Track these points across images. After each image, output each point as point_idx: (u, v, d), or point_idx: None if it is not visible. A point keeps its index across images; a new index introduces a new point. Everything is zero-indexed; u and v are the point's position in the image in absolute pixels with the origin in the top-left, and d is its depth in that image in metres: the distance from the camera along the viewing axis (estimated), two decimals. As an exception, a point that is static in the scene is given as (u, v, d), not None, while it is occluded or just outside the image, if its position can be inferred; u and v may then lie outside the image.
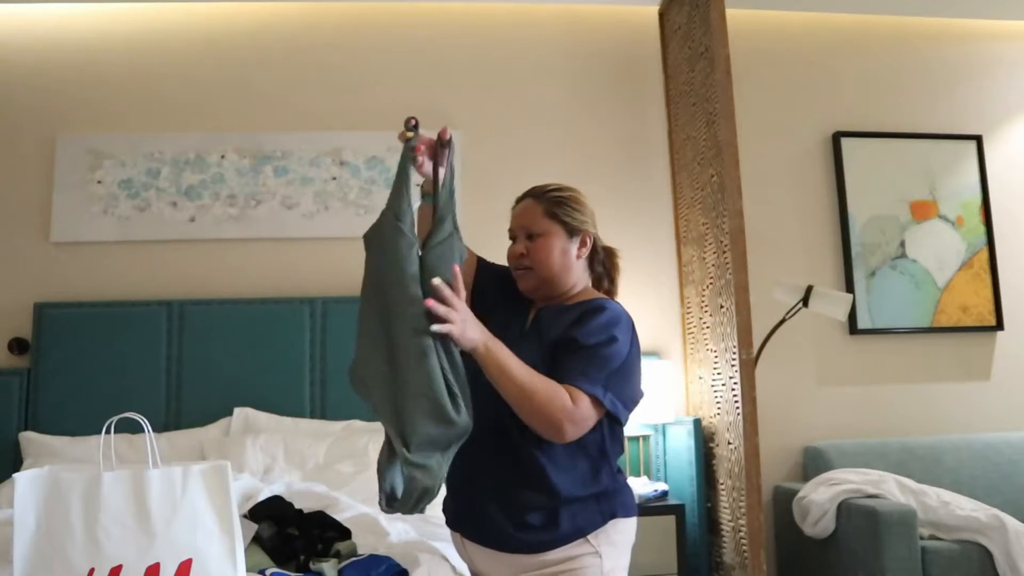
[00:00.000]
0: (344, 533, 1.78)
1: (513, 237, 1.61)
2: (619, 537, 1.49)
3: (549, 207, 1.58)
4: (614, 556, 1.47)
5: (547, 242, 1.56)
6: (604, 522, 1.47)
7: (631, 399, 1.49)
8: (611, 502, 1.49)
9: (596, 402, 1.41)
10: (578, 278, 1.60)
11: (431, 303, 1.29)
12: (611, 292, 1.69)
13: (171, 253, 3.11)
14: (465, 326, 1.33)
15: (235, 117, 3.21)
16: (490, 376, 1.37)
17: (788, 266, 3.31)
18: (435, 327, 1.29)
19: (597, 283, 1.67)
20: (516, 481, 1.46)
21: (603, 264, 1.67)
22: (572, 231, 1.58)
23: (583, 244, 1.59)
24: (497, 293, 1.65)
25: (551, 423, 1.37)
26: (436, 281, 1.31)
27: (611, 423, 1.49)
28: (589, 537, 1.45)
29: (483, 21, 3.38)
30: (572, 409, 1.39)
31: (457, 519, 1.56)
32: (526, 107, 3.33)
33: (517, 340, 1.48)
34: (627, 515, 1.52)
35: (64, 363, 2.88)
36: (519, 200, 1.64)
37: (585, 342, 1.45)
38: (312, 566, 1.61)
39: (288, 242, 3.15)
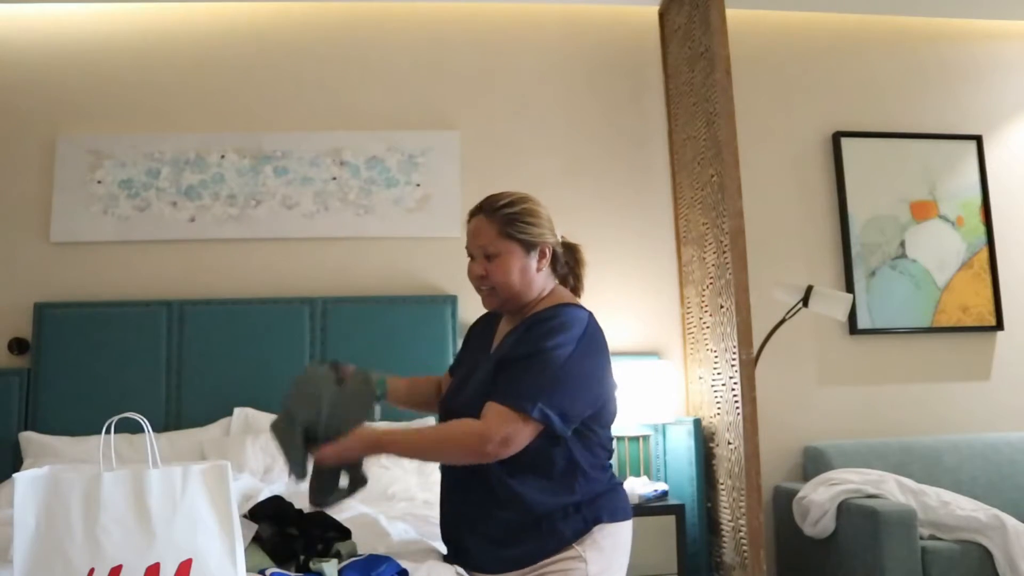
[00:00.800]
0: (344, 533, 1.78)
1: (471, 255, 1.59)
2: (607, 542, 1.49)
3: (502, 226, 1.54)
4: (600, 560, 1.47)
5: (505, 262, 1.54)
6: (588, 528, 1.47)
7: (571, 406, 1.44)
8: (593, 508, 1.49)
9: (518, 415, 1.40)
10: (542, 285, 1.60)
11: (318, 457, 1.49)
12: (576, 289, 1.67)
13: (171, 253, 3.11)
14: (341, 452, 1.47)
15: (235, 117, 3.21)
16: (405, 457, 1.54)
17: (788, 266, 3.31)
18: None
19: (563, 281, 1.66)
20: (492, 505, 1.49)
21: (567, 264, 1.66)
22: (529, 247, 1.55)
23: (542, 256, 1.57)
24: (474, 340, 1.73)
25: (470, 452, 1.43)
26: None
27: (575, 432, 1.48)
28: (575, 544, 1.46)
29: (483, 21, 3.38)
30: (482, 430, 1.41)
31: (448, 547, 1.61)
32: (526, 107, 3.33)
33: (477, 372, 1.56)
34: (614, 519, 1.51)
35: (64, 363, 2.88)
36: (472, 215, 1.60)
37: (516, 356, 1.47)
38: (312, 566, 1.61)
39: (288, 242, 3.15)
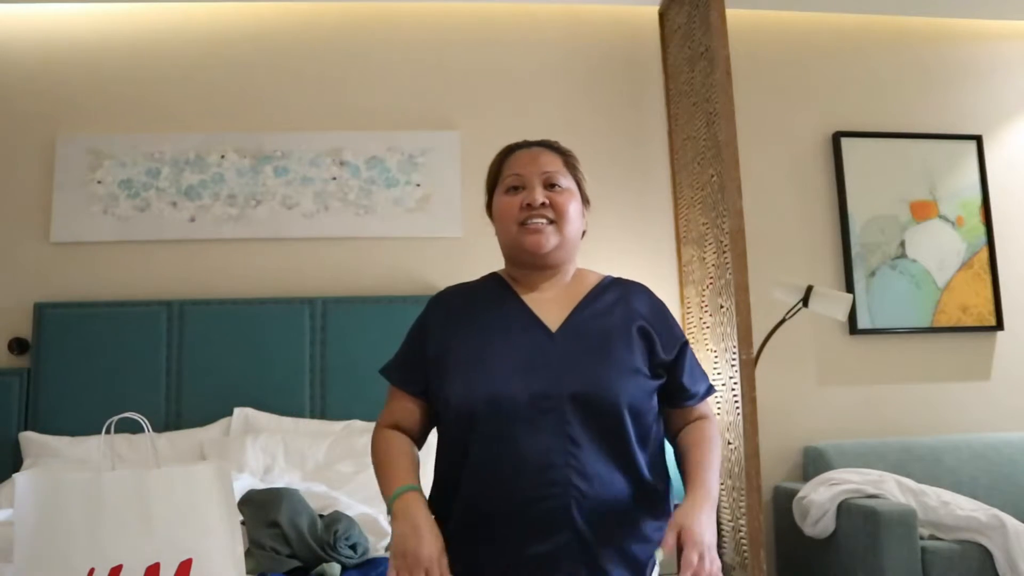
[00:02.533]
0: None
1: (519, 185, 1.37)
2: None
3: (568, 160, 1.42)
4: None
5: (571, 197, 1.38)
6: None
7: None
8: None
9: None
10: (578, 249, 1.45)
11: None
12: None
13: (171, 253, 3.10)
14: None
15: (235, 117, 3.21)
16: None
17: (788, 266, 3.31)
18: None
19: None
20: (634, 504, 1.28)
21: None
22: (583, 194, 1.44)
23: (586, 210, 1.45)
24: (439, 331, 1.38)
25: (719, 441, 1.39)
26: None
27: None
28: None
29: (483, 21, 3.38)
30: (712, 421, 1.40)
31: None
32: (526, 107, 3.33)
33: (610, 351, 1.31)
34: None
35: (64, 363, 2.88)
36: (515, 148, 1.43)
37: (682, 339, 1.39)
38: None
39: (288, 242, 3.15)
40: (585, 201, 1.44)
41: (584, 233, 1.44)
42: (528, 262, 1.38)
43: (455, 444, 1.31)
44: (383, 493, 1.30)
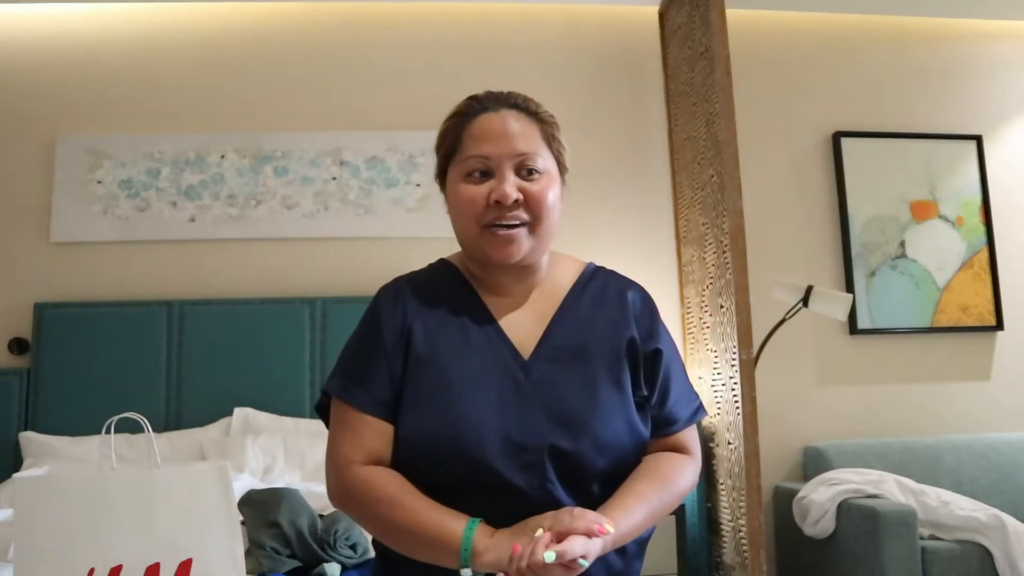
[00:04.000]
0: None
1: (483, 171, 1.07)
2: None
3: (546, 133, 1.09)
4: None
5: (551, 182, 1.08)
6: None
7: None
8: None
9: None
10: None
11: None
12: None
13: (171, 253, 3.10)
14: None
15: (235, 117, 3.21)
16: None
17: (788, 266, 3.31)
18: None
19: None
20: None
21: None
22: (562, 169, 1.12)
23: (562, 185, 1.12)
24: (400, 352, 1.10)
25: (684, 494, 1.12)
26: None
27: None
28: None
29: (483, 21, 3.38)
30: (695, 465, 1.13)
31: None
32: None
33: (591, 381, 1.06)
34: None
35: (64, 363, 2.88)
36: (479, 107, 1.11)
37: (669, 353, 1.14)
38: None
39: (288, 242, 3.15)
40: (562, 171, 1.12)
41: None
42: (491, 267, 1.11)
43: (406, 464, 1.07)
44: (436, 552, 1.00)
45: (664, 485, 1.07)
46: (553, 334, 1.10)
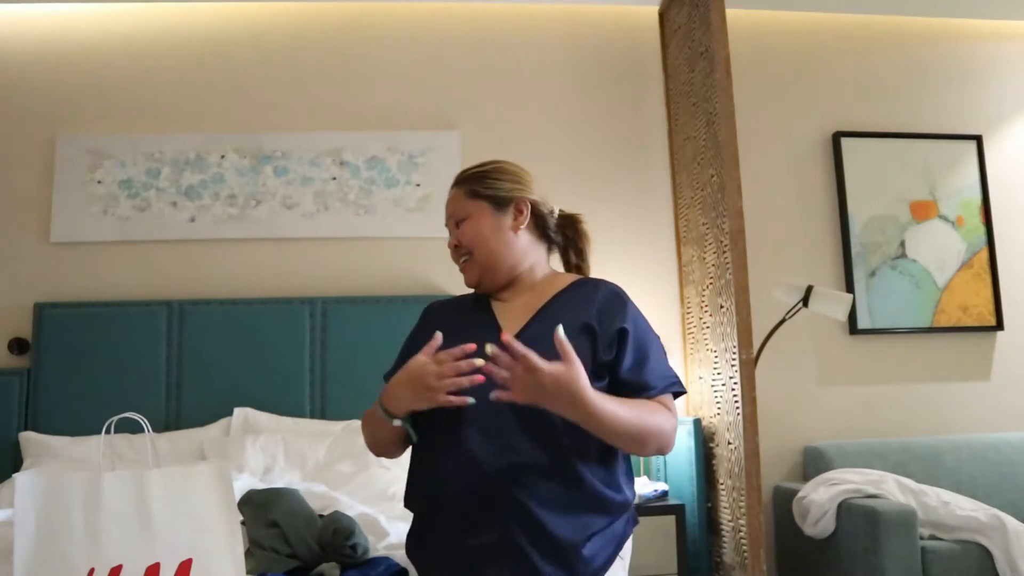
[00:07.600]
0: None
1: (450, 234, 1.49)
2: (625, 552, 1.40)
3: (469, 187, 1.44)
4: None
5: (475, 223, 1.42)
6: (628, 534, 1.39)
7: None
8: (632, 511, 1.40)
9: (676, 394, 1.36)
10: (524, 254, 1.44)
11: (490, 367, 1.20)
12: (581, 267, 1.53)
13: (171, 253, 3.10)
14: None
15: (235, 117, 3.21)
16: (600, 430, 1.23)
17: (788, 266, 3.31)
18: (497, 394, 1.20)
19: (564, 256, 1.54)
20: (575, 501, 1.27)
21: (563, 233, 1.52)
22: (499, 203, 1.43)
23: (518, 213, 1.43)
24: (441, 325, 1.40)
25: (660, 447, 1.30)
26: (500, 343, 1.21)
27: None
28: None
29: (483, 21, 3.38)
30: (675, 424, 1.31)
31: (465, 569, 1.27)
32: (526, 107, 3.33)
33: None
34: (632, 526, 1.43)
35: (64, 363, 2.88)
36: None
37: (640, 335, 1.34)
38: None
39: (288, 242, 3.15)
40: (501, 202, 1.43)
41: (519, 226, 1.44)
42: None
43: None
44: (376, 414, 1.36)
45: (641, 408, 1.28)
46: (533, 323, 1.38)
